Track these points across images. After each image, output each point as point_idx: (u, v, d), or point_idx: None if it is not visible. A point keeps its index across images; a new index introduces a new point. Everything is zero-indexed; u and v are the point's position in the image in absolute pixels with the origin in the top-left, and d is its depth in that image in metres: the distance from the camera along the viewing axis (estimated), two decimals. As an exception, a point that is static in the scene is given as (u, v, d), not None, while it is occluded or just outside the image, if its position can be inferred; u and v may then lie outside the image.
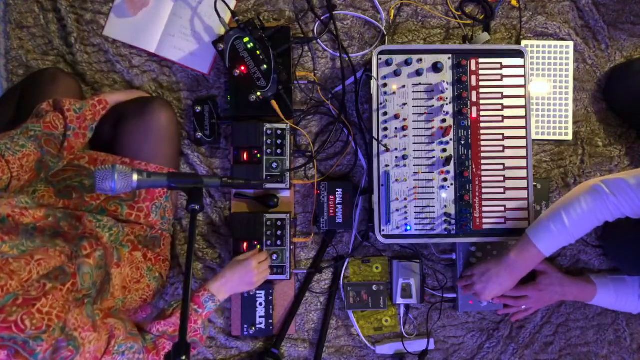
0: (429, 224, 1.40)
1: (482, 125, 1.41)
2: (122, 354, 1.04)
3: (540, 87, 1.53)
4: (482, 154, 1.41)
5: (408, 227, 1.40)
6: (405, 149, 1.40)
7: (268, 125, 1.43)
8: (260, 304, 1.47)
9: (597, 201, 1.17)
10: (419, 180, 1.40)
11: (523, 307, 1.45)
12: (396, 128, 1.40)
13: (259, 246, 1.42)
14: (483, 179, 1.40)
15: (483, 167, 1.40)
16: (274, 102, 1.40)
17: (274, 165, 1.43)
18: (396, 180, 1.40)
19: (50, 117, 1.21)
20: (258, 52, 1.37)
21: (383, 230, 1.39)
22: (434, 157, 1.40)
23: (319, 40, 1.52)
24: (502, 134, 1.41)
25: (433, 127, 1.41)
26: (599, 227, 1.51)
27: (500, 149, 1.41)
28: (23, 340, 0.86)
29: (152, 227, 1.34)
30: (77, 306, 0.97)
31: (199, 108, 1.48)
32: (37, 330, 0.87)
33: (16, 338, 0.85)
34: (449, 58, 1.41)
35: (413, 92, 1.41)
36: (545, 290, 1.43)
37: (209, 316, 1.24)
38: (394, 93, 1.41)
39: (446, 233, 1.40)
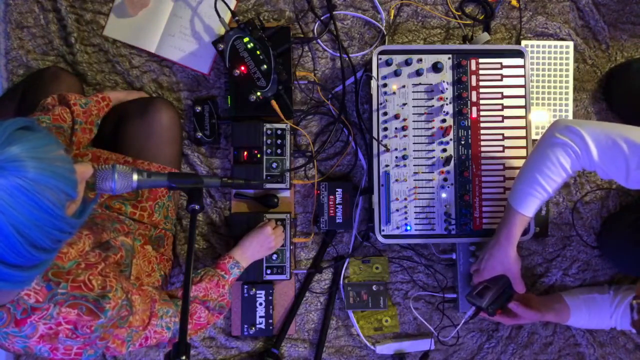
0: (429, 224, 1.40)
1: (482, 125, 1.41)
2: (161, 317, 1.11)
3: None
4: (482, 154, 1.41)
5: (408, 227, 1.40)
6: (405, 149, 1.40)
7: (268, 125, 1.43)
8: (260, 304, 1.47)
9: (569, 157, 1.16)
10: (419, 180, 1.40)
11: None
12: (396, 128, 1.40)
13: (266, 216, 1.44)
14: (483, 179, 1.40)
15: (483, 167, 1.40)
16: (274, 102, 1.40)
17: (274, 165, 1.43)
18: (396, 180, 1.40)
19: (58, 110, 1.22)
20: (258, 52, 1.37)
21: (383, 230, 1.39)
22: (434, 157, 1.40)
23: (319, 40, 1.52)
24: (502, 134, 1.41)
25: (433, 127, 1.40)
26: (597, 228, 1.53)
27: (500, 149, 1.41)
28: (94, 298, 0.92)
29: (156, 226, 1.35)
30: (121, 276, 1.05)
31: (199, 108, 1.48)
32: (102, 289, 0.94)
33: (87, 296, 0.91)
34: (449, 58, 1.41)
35: (413, 92, 1.41)
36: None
37: (234, 282, 1.31)
38: (394, 93, 1.41)
39: (446, 233, 1.40)
